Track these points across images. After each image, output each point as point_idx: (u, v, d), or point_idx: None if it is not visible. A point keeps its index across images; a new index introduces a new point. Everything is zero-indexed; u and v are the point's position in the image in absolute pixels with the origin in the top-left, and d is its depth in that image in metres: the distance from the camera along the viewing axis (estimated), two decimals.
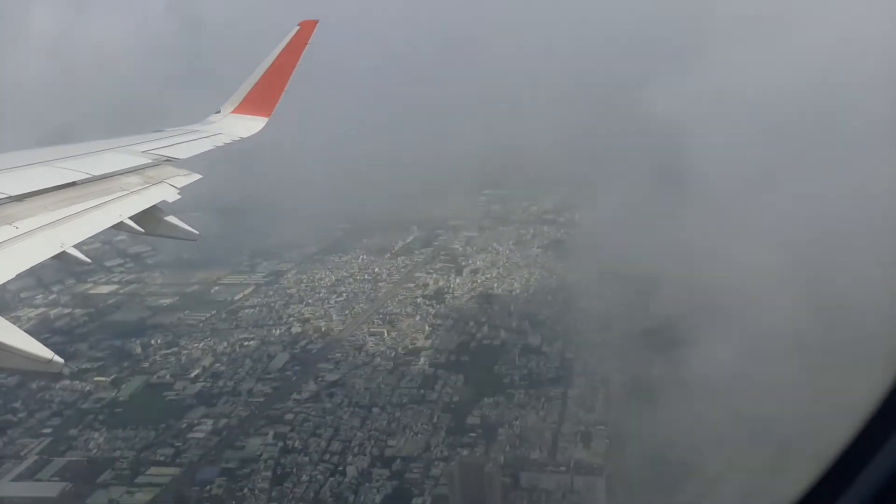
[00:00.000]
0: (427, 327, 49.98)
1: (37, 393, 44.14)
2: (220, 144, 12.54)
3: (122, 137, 11.58)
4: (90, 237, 7.38)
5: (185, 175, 10.36)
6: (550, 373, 41.67)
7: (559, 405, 38.19)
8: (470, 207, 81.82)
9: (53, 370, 5.44)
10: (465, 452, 34.59)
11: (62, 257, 6.73)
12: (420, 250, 68.65)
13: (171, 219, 9.39)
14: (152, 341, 50.59)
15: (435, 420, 37.90)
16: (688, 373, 40.17)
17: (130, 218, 8.32)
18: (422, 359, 45.25)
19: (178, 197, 9.66)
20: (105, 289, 62.93)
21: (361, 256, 67.28)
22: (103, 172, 8.95)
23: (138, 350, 49.51)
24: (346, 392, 41.38)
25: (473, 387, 40.94)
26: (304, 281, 61.51)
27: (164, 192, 9.47)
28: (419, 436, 36.54)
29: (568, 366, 42.28)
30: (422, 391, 41.13)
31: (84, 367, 47.64)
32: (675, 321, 47.80)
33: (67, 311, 58.22)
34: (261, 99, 14.45)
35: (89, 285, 63.53)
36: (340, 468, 34.12)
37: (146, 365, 47.40)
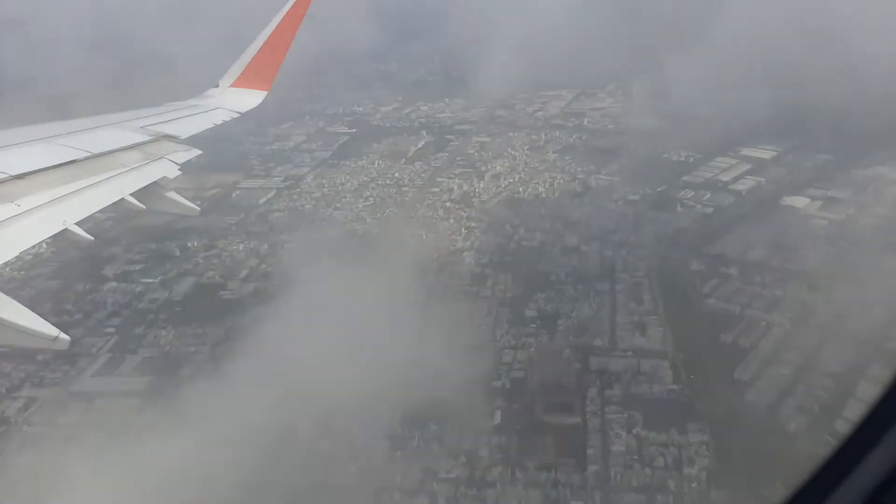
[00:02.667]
0: (463, 230, 51.35)
1: (86, 295, 44.47)
2: (219, 121, 12.52)
3: (122, 113, 11.51)
4: (91, 214, 7.50)
5: (184, 150, 10.41)
6: (593, 270, 43.85)
7: (609, 298, 40.59)
8: (474, 112, 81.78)
9: (59, 347, 5.57)
10: (531, 341, 36.91)
11: (64, 235, 6.86)
12: (434, 155, 68.90)
13: (172, 194, 9.48)
14: (188, 244, 50.78)
15: (494, 313, 39.99)
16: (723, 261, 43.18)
17: (131, 194, 8.37)
18: (466, 258, 46.93)
19: (179, 173, 9.68)
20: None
21: (377, 161, 67.30)
22: (103, 150, 8.92)
23: (177, 252, 49.77)
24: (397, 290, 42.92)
25: (522, 284, 42.93)
26: (326, 185, 61.59)
27: (165, 168, 9.52)
28: (482, 327, 38.64)
29: (609, 263, 44.51)
30: (473, 288, 43.02)
31: (125, 269, 47.86)
32: (704, 219, 50.53)
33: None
34: (259, 72, 14.26)
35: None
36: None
37: (189, 267, 47.86)
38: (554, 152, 66.89)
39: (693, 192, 55.17)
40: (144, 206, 8.49)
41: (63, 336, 5.36)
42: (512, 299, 41.31)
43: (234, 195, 60.92)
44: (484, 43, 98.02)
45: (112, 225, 54.90)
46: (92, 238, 7.03)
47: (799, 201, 51.54)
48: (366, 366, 32.48)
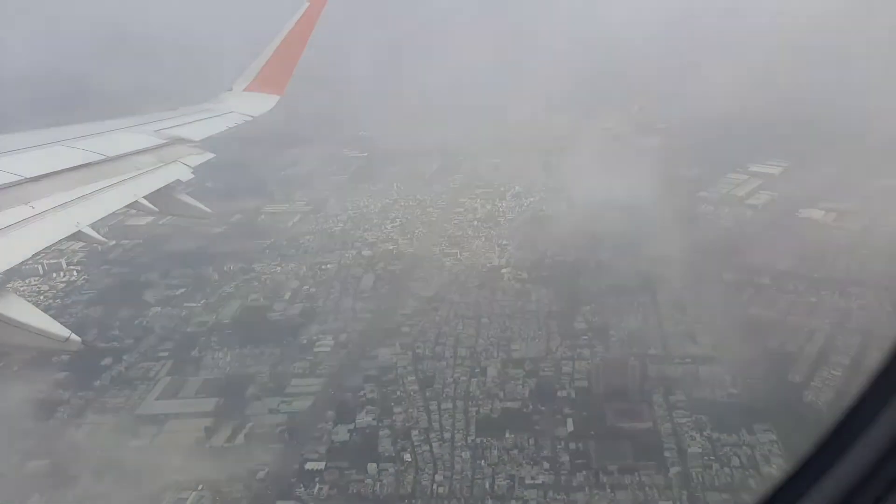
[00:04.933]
0: (496, 247, 52.65)
1: (132, 320, 44.53)
2: (233, 125, 12.54)
3: (135, 116, 11.49)
4: (104, 216, 7.54)
5: (198, 154, 10.40)
6: (631, 283, 45.33)
7: (652, 310, 42.07)
8: (480, 135, 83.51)
9: (71, 349, 5.54)
10: (586, 352, 38.11)
11: (77, 236, 6.94)
12: (451, 177, 70.33)
13: (185, 197, 9.59)
14: (225, 268, 51.13)
15: (544, 327, 41.15)
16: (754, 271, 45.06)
17: (144, 197, 8.42)
18: (504, 275, 48.15)
19: (192, 176, 9.68)
20: (142, 220, 61.84)
21: (395, 184, 68.42)
22: (117, 153, 8.94)
23: (215, 276, 50.07)
24: (447, 306, 43.91)
25: (565, 298, 44.23)
26: (350, 208, 62.48)
27: (178, 172, 9.55)
28: (536, 340, 39.74)
29: (644, 276, 46.05)
30: (518, 303, 44.16)
31: (166, 294, 48.01)
32: (727, 232, 52.55)
33: (112, 242, 57.36)
34: (272, 76, 14.35)
35: (121, 217, 62.28)
36: (478, 370, 37.07)
37: (231, 290, 48.19)
38: (568, 171, 68.71)
39: (712, 208, 57.38)
40: (157, 209, 8.60)
41: (74, 337, 5.32)
42: (559, 313, 42.52)
43: (259, 220, 61.42)
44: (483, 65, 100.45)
45: (140, 252, 55.32)
46: (105, 240, 7.06)
47: (815, 213, 53.97)
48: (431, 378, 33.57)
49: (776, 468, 29.08)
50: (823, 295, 42.21)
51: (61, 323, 6.03)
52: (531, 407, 34.04)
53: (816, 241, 48.95)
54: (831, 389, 33.62)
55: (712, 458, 29.98)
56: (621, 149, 75.23)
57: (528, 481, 29.59)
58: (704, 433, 31.33)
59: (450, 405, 34.50)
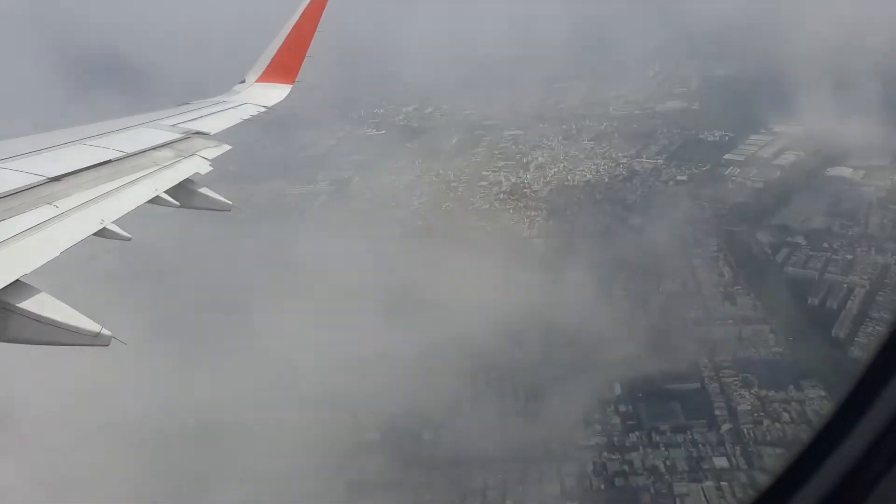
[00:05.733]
0: (526, 219, 52.86)
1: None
2: (247, 116, 12.74)
3: (151, 112, 11.71)
4: (128, 212, 7.61)
5: (215, 146, 10.52)
6: (665, 248, 45.51)
7: (690, 274, 42.37)
8: (496, 106, 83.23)
9: (102, 343, 5.54)
10: (627, 316, 38.52)
11: (103, 233, 7.02)
12: (471, 151, 70.30)
13: (205, 190, 9.65)
14: None
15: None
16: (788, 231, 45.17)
17: (165, 192, 8.55)
18: (538, 246, 48.48)
19: (210, 169, 9.84)
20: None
21: (417, 160, 68.50)
22: (136, 149, 9.13)
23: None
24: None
25: (601, 266, 44.48)
26: (374, 186, 62.71)
27: (197, 165, 9.67)
28: (579, 307, 40.16)
29: (678, 241, 46.23)
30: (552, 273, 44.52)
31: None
32: (757, 194, 52.53)
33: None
34: (283, 66, 14.49)
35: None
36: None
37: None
38: (589, 140, 68.61)
39: (739, 170, 57.26)
40: (179, 203, 8.74)
41: (105, 332, 5.37)
42: (596, 281, 42.81)
43: (285, 201, 61.76)
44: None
45: None
46: (130, 236, 7.03)
47: (843, 171, 53.79)
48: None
49: None
50: (858, 251, 42.29)
51: None
52: (579, 373, 34.52)
53: (847, 199, 48.93)
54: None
55: (762, 414, 30.64)
56: (640, 116, 74.98)
57: (581, 443, 30.20)
58: (752, 391, 31.82)
59: None
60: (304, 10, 14.70)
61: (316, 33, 15.21)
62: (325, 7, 14.92)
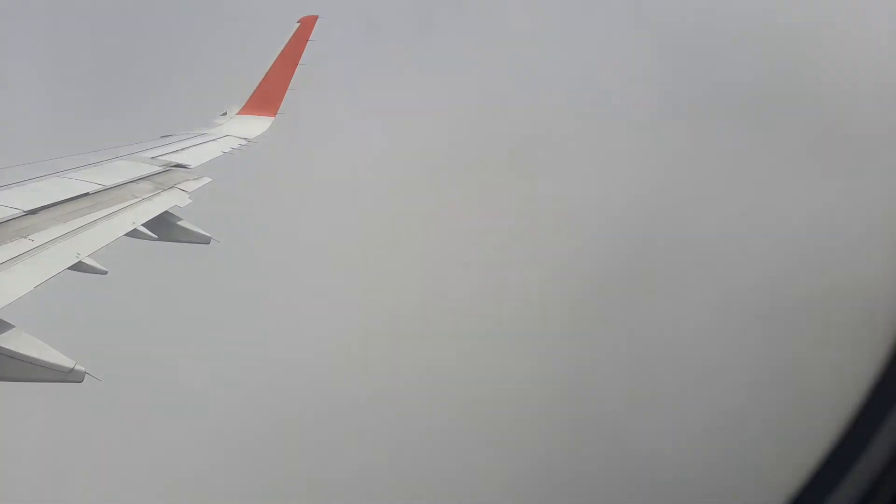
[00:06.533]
0: None
1: None
2: (228, 150, 12.95)
3: (131, 144, 11.89)
4: (105, 246, 7.70)
5: (195, 179, 10.71)
6: None
7: None
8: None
9: (75, 380, 5.51)
10: None
11: (79, 267, 7.11)
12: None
13: (184, 223, 9.80)
14: None
15: None
16: None
17: (144, 224, 8.66)
18: None
19: (190, 201, 10.04)
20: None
21: None
22: (114, 182, 9.24)
23: None
24: None
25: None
26: None
27: (176, 198, 9.85)
28: None
29: None
30: None
31: None
32: None
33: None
34: (265, 98, 14.75)
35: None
36: None
37: None
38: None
39: None
40: (157, 236, 8.84)
41: (79, 368, 5.32)
42: None
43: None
44: None
45: None
46: (106, 270, 7.11)
47: None
48: None
49: None
50: None
51: None
52: None
53: None
54: None
55: None
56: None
57: None
58: None
59: None
60: (287, 43, 15.00)
61: (299, 66, 15.43)
62: (308, 38, 15.19)
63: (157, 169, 10.34)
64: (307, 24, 15.16)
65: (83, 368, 5.24)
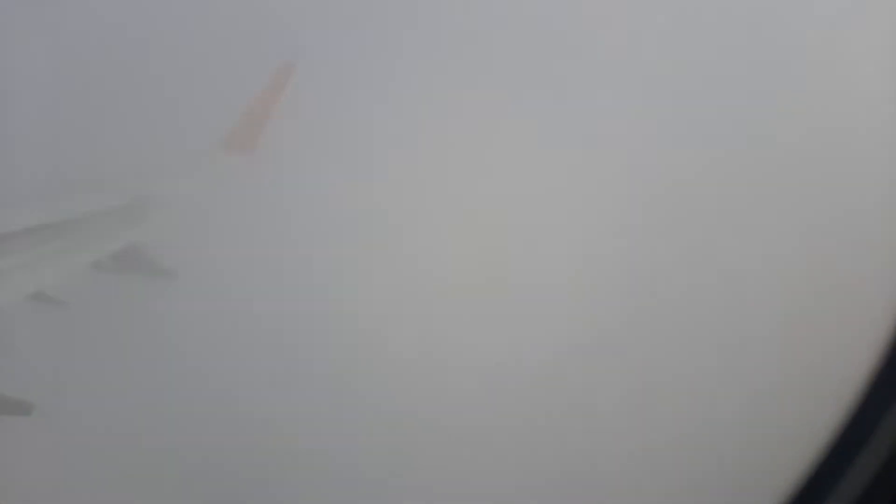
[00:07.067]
0: None
1: None
2: (201, 183, 13.89)
3: (99, 176, 12.85)
4: (66, 277, 7.47)
5: (164, 213, 10.02)
6: None
7: None
8: None
9: (23, 412, 5.45)
10: None
11: (38, 297, 7.00)
12: None
13: (148, 255, 9.16)
14: None
15: None
16: None
17: (108, 256, 8.33)
18: None
19: (157, 235, 9.25)
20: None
21: None
22: (79, 212, 8.72)
23: None
24: None
25: None
26: None
27: (143, 231, 9.21)
28: None
29: None
30: None
31: None
32: None
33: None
34: (244, 135, 15.59)
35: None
36: None
37: None
38: None
39: None
40: (122, 267, 8.65)
41: (27, 400, 5.26)
42: None
43: None
44: None
45: None
46: (67, 301, 7.00)
47: None
48: None
49: None
50: None
51: None
52: None
53: None
54: None
55: None
56: None
57: None
58: None
59: None
60: (268, 83, 14.84)
61: (281, 103, 15.17)
62: (291, 77, 14.94)
63: (125, 200, 10.29)
64: (286, 69, 15.17)
65: (31, 401, 5.04)
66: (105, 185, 10.95)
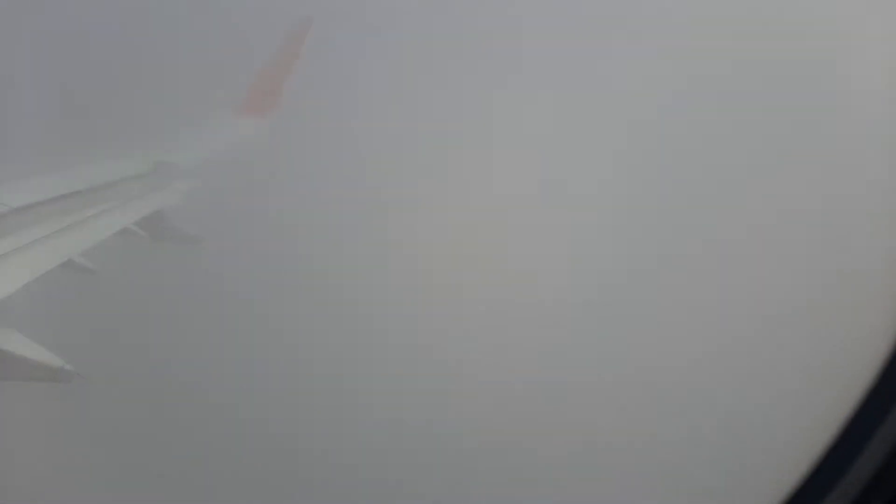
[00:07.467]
0: None
1: None
2: (222, 149, 12.88)
3: (123, 143, 11.80)
4: (95, 245, 7.67)
5: (187, 179, 10.68)
6: None
7: None
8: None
9: (64, 379, 5.39)
10: None
11: (68, 266, 7.07)
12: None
13: (176, 223, 9.85)
14: None
15: None
16: None
17: (134, 224, 8.67)
18: None
19: (182, 201, 10.02)
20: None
21: None
22: (105, 180, 9.20)
23: None
24: None
25: None
26: None
27: (168, 198, 9.85)
28: None
29: None
30: None
31: None
32: None
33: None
34: (262, 97, 14.62)
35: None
36: None
37: None
38: None
39: None
40: (148, 235, 8.93)
41: (67, 367, 5.28)
42: None
43: None
44: None
45: None
46: (95, 268, 7.13)
47: None
48: None
49: None
50: None
51: None
52: None
53: None
54: None
55: None
56: None
57: None
58: None
59: None
60: (286, 41, 14.88)
61: (297, 63, 15.10)
62: (306, 37, 14.96)
63: (149, 168, 10.33)
64: (303, 26, 15.08)
65: (71, 368, 5.18)
66: (127, 153, 11.13)
